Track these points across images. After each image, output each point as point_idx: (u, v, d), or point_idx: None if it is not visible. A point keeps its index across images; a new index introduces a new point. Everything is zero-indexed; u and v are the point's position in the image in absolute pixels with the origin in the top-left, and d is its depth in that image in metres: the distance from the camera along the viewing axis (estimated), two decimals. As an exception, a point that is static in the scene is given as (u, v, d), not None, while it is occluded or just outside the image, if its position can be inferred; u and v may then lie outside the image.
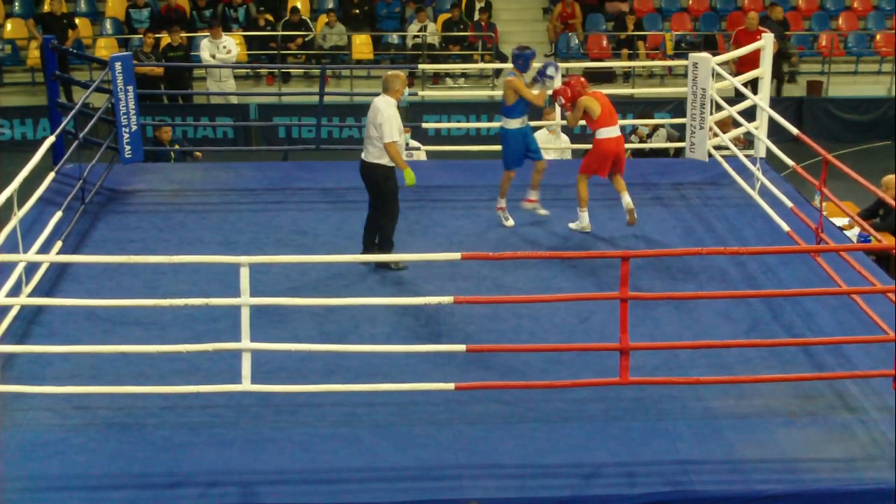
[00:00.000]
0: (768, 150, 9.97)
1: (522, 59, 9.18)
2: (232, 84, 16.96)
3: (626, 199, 9.33)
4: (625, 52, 18.45)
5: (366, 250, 8.66)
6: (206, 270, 8.22)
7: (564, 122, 11.94)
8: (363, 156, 8.53)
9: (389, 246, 8.63)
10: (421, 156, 11.89)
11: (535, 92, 9.26)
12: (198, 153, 12.88)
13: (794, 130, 9.15)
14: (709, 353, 7.18)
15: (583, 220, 9.39)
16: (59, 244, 8.62)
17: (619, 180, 9.43)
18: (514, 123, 9.27)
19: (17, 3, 18.48)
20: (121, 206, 9.94)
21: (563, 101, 9.43)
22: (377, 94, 8.59)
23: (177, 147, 12.69)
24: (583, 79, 9.57)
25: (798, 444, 6.39)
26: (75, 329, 7.54)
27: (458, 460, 6.26)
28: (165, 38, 17.23)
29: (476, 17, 18.55)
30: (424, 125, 13.64)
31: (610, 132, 9.27)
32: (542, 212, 9.59)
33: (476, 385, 6.71)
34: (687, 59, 10.54)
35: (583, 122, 9.56)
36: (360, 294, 8.10)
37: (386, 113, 8.34)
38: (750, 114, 10.60)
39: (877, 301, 7.36)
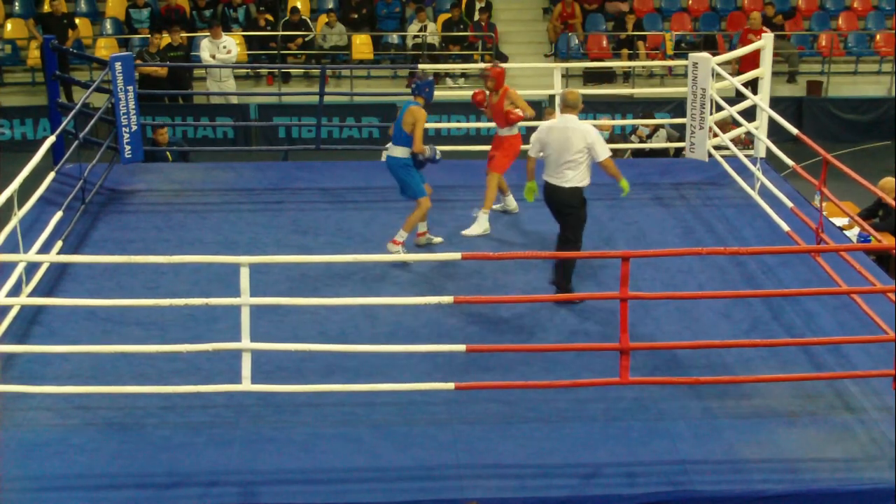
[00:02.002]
0: (768, 150, 9.97)
1: (428, 87, 8.63)
2: (232, 84, 16.96)
3: (512, 200, 9.63)
4: (625, 52, 18.45)
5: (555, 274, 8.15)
6: (206, 270, 8.22)
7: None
8: (557, 182, 7.92)
9: (570, 278, 8.05)
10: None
11: (423, 146, 8.60)
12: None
13: (794, 130, 9.15)
14: (709, 353, 7.18)
15: (483, 224, 9.18)
16: (59, 244, 8.62)
17: (503, 180, 9.57)
18: (403, 151, 8.63)
19: (17, 3, 18.48)
20: (121, 206, 9.93)
21: (515, 115, 9.16)
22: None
23: (174, 148, 12.67)
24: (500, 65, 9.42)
25: (798, 444, 6.39)
26: (75, 329, 7.54)
27: (458, 460, 6.26)
28: (166, 38, 17.23)
29: (476, 17, 18.55)
30: (424, 125, 13.62)
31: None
32: (437, 239, 9.03)
33: (476, 385, 6.71)
34: (687, 59, 10.54)
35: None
36: (360, 294, 8.10)
37: (591, 129, 7.90)
38: (750, 114, 10.59)
39: (877, 301, 7.36)
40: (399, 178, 8.69)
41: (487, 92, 9.37)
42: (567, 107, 8.02)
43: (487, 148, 9.66)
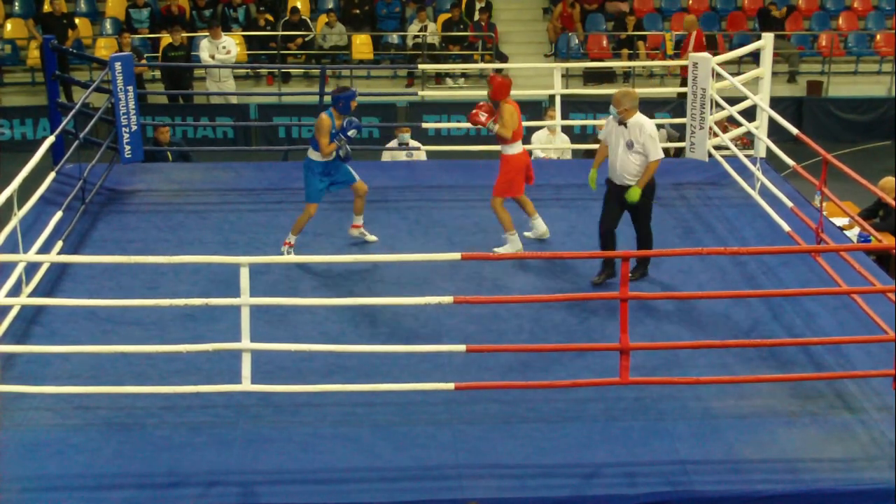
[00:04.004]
0: (768, 150, 9.97)
1: (343, 100, 8.56)
2: (232, 84, 16.96)
3: (541, 224, 9.08)
4: (625, 52, 18.46)
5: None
6: (206, 270, 8.22)
7: (563, 123, 12.02)
8: None
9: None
10: (421, 156, 11.89)
11: (328, 145, 8.56)
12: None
13: (794, 130, 9.15)
14: (709, 353, 7.18)
15: (515, 244, 8.82)
16: (59, 244, 8.62)
17: (525, 199, 9.00)
18: (317, 155, 8.69)
19: (17, 3, 18.49)
20: (121, 206, 9.94)
21: (484, 117, 8.73)
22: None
23: (174, 147, 12.66)
24: (510, 81, 8.80)
25: (798, 444, 6.39)
26: (75, 329, 7.54)
27: (458, 460, 6.26)
28: (166, 38, 17.24)
29: (476, 17, 18.56)
30: (424, 125, 13.65)
31: (520, 146, 8.81)
32: (371, 238, 9.10)
33: (476, 385, 6.71)
34: (687, 58, 10.54)
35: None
36: (359, 294, 8.10)
37: None
38: (749, 114, 10.58)
39: (877, 301, 7.36)
40: (304, 178, 8.82)
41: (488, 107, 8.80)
42: (636, 108, 8.17)
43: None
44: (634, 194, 8.17)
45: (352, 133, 8.65)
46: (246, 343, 6.41)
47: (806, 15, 19.36)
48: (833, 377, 6.90)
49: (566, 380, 6.85)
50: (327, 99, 11.52)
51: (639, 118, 8.17)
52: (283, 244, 8.83)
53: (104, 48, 17.49)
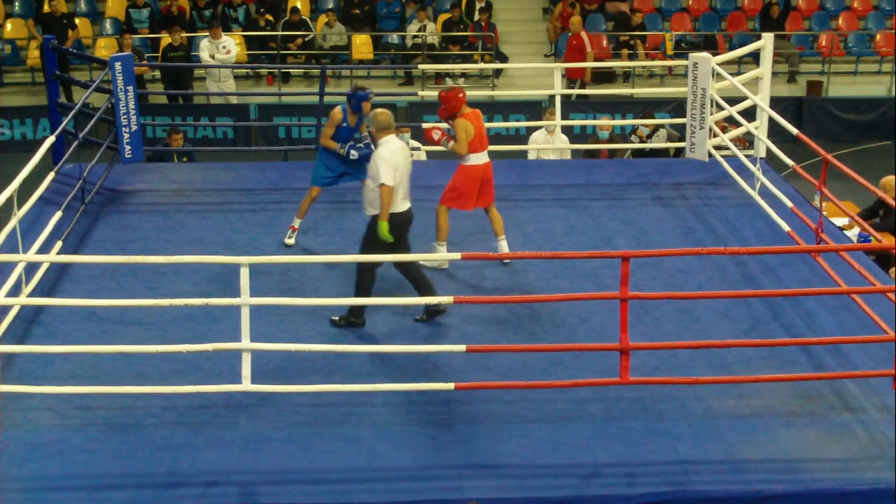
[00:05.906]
0: (768, 150, 9.97)
1: (355, 99, 8.71)
2: (232, 84, 16.96)
3: (504, 247, 8.72)
4: (625, 52, 18.46)
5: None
6: (206, 270, 8.22)
7: (563, 123, 12.02)
8: (409, 204, 7.76)
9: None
10: (421, 156, 11.89)
11: (329, 137, 8.77)
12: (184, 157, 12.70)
13: (794, 130, 9.15)
14: (709, 353, 7.18)
15: (440, 254, 8.50)
16: (59, 244, 8.61)
17: (495, 216, 8.75)
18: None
19: (17, 3, 18.49)
20: (121, 206, 9.93)
21: (437, 135, 8.70)
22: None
23: (181, 149, 12.64)
24: (461, 93, 8.59)
25: (798, 444, 6.39)
26: (75, 329, 7.54)
27: (458, 460, 6.26)
28: (166, 38, 17.24)
29: (476, 17, 18.55)
30: (424, 125, 13.62)
31: (480, 158, 8.56)
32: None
33: (476, 385, 6.71)
34: (687, 59, 10.54)
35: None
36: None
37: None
38: (749, 114, 10.58)
39: (877, 301, 7.36)
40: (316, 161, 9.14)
41: (446, 123, 8.82)
42: (388, 128, 7.64)
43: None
44: (383, 229, 7.49)
45: (353, 153, 8.75)
46: (246, 343, 6.41)
47: (806, 15, 19.36)
48: (833, 377, 6.90)
49: (566, 380, 6.86)
50: (327, 99, 11.59)
51: (384, 140, 7.59)
52: (289, 228, 9.12)
53: (104, 48, 17.48)
